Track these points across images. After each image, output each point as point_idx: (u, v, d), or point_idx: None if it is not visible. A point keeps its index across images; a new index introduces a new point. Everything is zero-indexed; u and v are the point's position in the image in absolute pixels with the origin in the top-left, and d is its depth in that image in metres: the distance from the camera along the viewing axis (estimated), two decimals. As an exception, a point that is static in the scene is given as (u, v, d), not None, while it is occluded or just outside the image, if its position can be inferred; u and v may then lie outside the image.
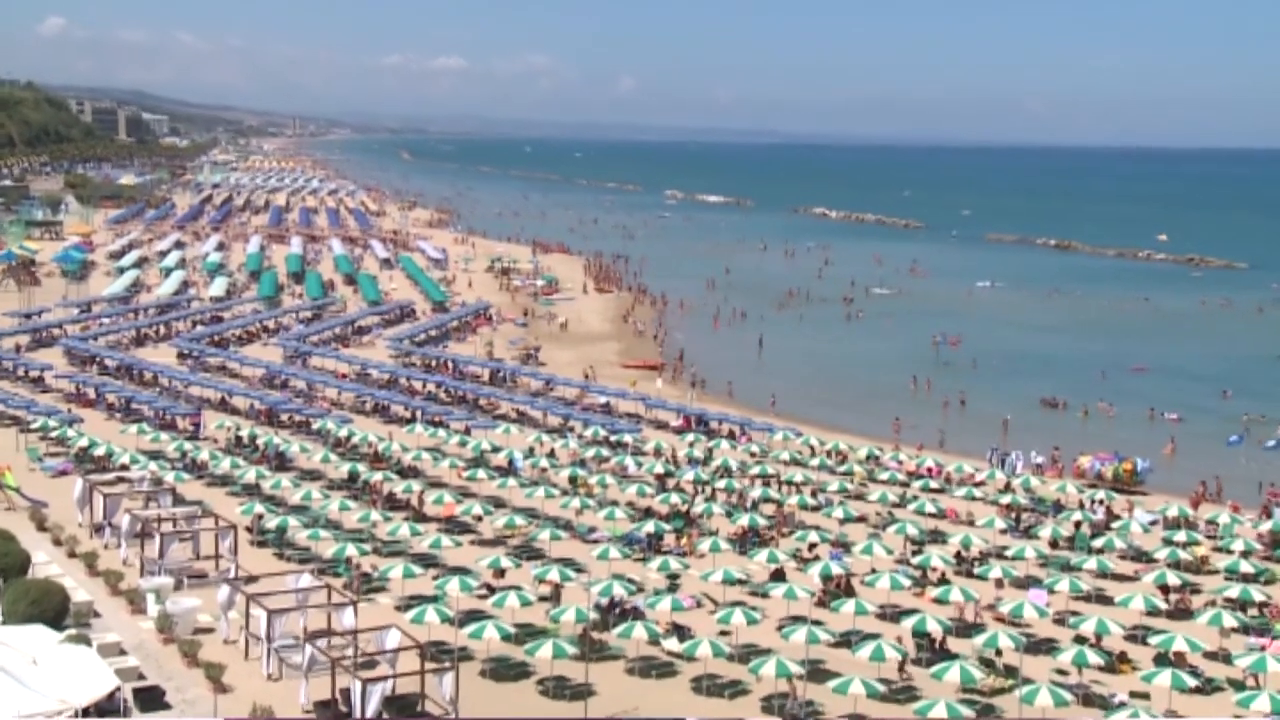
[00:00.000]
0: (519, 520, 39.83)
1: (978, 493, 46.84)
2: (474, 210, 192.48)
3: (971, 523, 43.38)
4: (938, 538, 41.31)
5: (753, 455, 51.43)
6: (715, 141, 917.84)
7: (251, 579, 32.69)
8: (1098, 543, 39.70)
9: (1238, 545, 39.43)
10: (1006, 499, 45.04)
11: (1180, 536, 40.64)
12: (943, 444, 56.35)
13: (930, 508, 44.04)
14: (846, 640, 30.38)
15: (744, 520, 40.48)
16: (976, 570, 37.23)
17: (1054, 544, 40.36)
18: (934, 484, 47.83)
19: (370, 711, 24.72)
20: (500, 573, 34.21)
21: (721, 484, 45.45)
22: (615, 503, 42.43)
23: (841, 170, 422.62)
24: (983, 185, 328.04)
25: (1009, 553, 38.60)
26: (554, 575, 32.96)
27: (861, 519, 43.03)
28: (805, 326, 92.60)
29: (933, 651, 30.42)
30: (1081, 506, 44.78)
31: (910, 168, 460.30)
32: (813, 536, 39.23)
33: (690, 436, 53.70)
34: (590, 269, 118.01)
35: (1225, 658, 30.75)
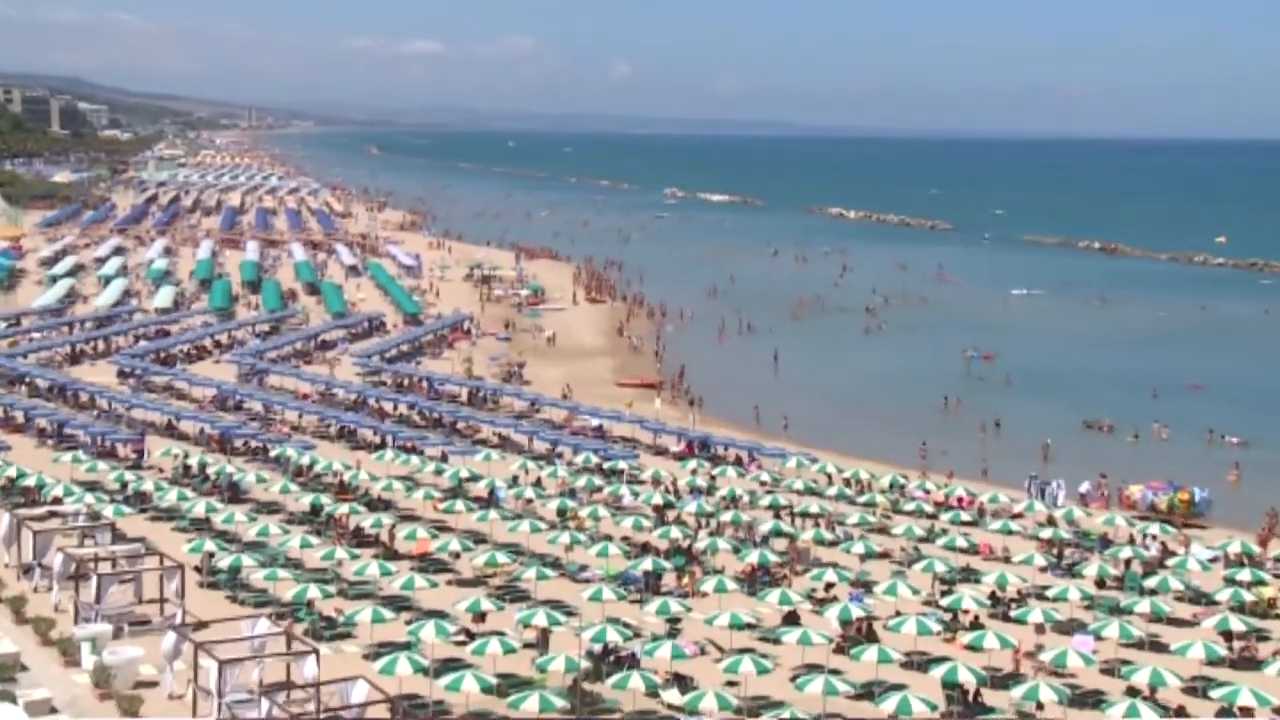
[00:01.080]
0: (501, 558, 39.83)
1: (1015, 526, 46.81)
2: (451, 211, 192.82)
3: (1008, 560, 43.36)
4: (970, 576, 41.25)
5: (762, 484, 51.52)
6: (720, 135, 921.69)
7: (200, 625, 32.60)
8: (1151, 582, 39.69)
9: (1309, 585, 39.56)
10: (1047, 533, 45.07)
11: (1245, 576, 40.50)
12: (986, 473, 56.44)
13: (962, 543, 44.01)
14: (869, 692, 30.28)
15: (753, 557, 40.45)
16: (1014, 613, 37.16)
17: (1101, 584, 40.33)
18: (966, 516, 47.79)
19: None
20: (481, 616, 34.15)
21: (727, 516, 45.42)
22: (609, 538, 42.31)
23: (861, 166, 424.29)
24: (1017, 181, 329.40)
25: (1051, 593, 38.54)
26: (541, 619, 32.89)
27: (885, 555, 43.00)
28: (821, 340, 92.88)
29: (966, 705, 30.33)
30: (1132, 542, 44.77)
31: (937, 163, 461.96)
32: (830, 575, 39.19)
33: (692, 464, 53.66)
34: (580, 276, 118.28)
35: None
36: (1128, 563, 41.99)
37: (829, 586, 38.86)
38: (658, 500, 47.02)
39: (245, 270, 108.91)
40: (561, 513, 45.41)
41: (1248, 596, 38.83)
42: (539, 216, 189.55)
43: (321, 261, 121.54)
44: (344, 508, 44.02)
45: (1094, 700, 31.31)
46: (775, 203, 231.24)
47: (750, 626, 34.12)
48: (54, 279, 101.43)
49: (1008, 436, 64.86)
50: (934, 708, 28.97)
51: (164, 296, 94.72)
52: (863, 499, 49.87)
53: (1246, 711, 29.73)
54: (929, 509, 48.80)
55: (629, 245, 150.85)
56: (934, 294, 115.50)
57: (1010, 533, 46.13)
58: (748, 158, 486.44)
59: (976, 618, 36.42)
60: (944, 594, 38.43)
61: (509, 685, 29.99)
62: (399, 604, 35.87)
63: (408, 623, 33.60)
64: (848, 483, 52.61)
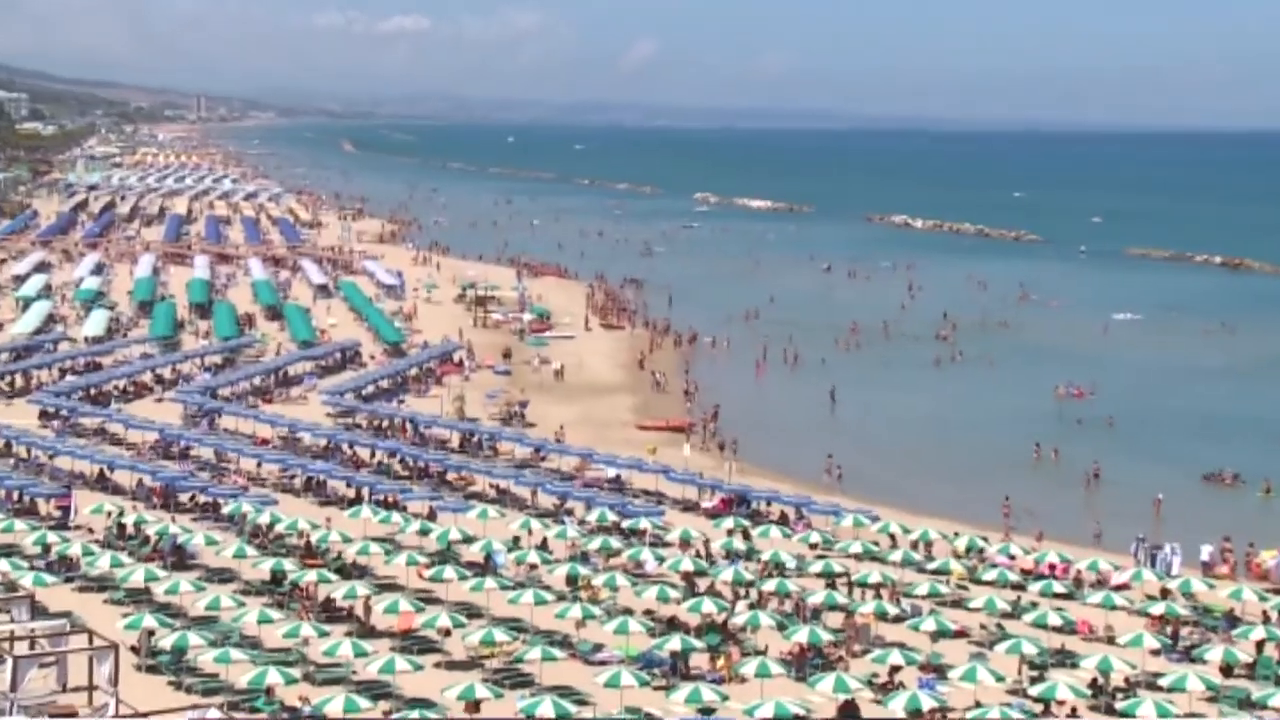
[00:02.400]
0: (500, 635, 39.75)
1: (1120, 599, 46.56)
2: (440, 220, 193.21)
3: (1112, 640, 43.07)
4: (1066, 660, 41.09)
5: (813, 547, 51.45)
6: (762, 127, 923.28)
7: (138, 718, 32.67)
8: (1287, 669, 39.59)
9: None
10: (1160, 608, 44.88)
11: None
12: (1098, 538, 56.21)
13: (1055, 619, 43.79)
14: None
15: (801, 635, 40.35)
16: (1120, 705, 36.97)
17: (1227, 670, 40.05)
18: (1060, 587, 47.64)
19: None
20: (475, 705, 34.17)
21: (771, 586, 45.40)
22: (629, 611, 42.45)
23: (931, 165, 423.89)
24: (1120, 182, 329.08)
25: (1165, 682, 38.31)
26: (547, 709, 32.91)
27: (961, 634, 42.92)
28: (882, 373, 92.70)
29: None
30: (1266, 620, 44.44)
31: (1023, 160, 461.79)
32: (895, 657, 39.05)
33: (728, 522, 53.78)
34: (594, 298, 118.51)
35: None
36: (1260, 645, 41.71)
37: (894, 671, 38.69)
38: (687, 566, 46.98)
39: (193, 291, 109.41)
40: (572, 581, 45.52)
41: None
42: (541, 226, 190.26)
43: (285, 280, 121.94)
44: (311, 575, 44.03)
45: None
46: (828, 209, 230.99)
47: (799, 719, 34.02)
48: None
49: (1110, 491, 64.61)
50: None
51: (96, 322, 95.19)
52: (934, 565, 49.69)
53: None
54: (1014, 578, 48.53)
55: (652, 260, 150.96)
56: (1018, 318, 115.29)
57: (1114, 607, 45.81)
58: (795, 155, 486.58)
59: (1074, 710, 36.28)
60: (1034, 681, 38.32)
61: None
62: (377, 691, 35.87)
63: (387, 713, 33.58)
64: (915, 546, 52.47)
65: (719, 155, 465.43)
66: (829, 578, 47.00)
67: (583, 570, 46.16)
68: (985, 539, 52.93)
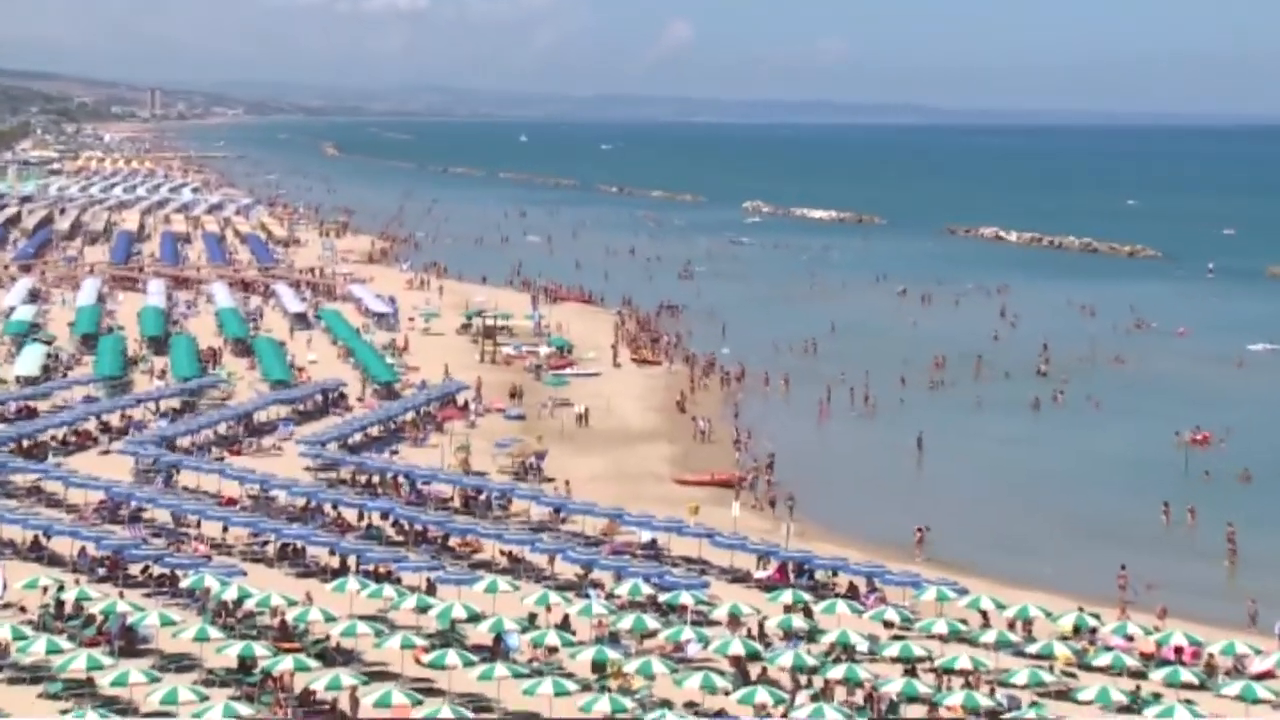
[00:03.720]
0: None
1: (1264, 691, 46.15)
2: (440, 236, 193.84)
3: (1253, 739, 42.81)
4: (1197, 764, 40.84)
5: (888, 626, 51.19)
6: (823, 124, 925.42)
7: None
8: None
9: None
10: (1311, 701, 44.52)
11: None
12: (1255, 620, 55.44)
13: (1184, 715, 43.44)
14: None
15: (877, 734, 40.34)
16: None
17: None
18: (1188, 675, 47.09)
19: None
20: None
21: (838, 673, 45.15)
22: (668, 704, 42.26)
23: (1027, 167, 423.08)
24: (1256, 185, 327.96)
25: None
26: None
27: (1070, 733, 42.80)
28: (970, 418, 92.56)
29: None
30: None
31: (1136, 161, 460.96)
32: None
33: (786, 595, 53.39)
34: (624, 328, 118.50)
35: None
36: None
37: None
38: (737, 649, 46.78)
39: (146, 321, 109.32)
40: (599, 667, 45.37)
41: None
42: (533, 226, 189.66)
43: (255, 309, 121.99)
44: (286, 662, 43.83)
45: None
46: (903, 221, 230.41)
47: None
48: None
49: (1247, 559, 64.02)
50: None
51: (29, 360, 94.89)
52: (1035, 648, 49.41)
53: None
54: (1133, 663, 48.19)
55: (693, 283, 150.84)
56: (1134, 351, 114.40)
57: (1256, 700, 45.36)
58: (861, 156, 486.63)
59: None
60: (1157, 789, 38.07)
61: None
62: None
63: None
64: (1012, 625, 52.06)
65: (771, 157, 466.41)
66: (908, 663, 46.86)
67: (612, 654, 45.93)
68: (1097, 616, 52.41)
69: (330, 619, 48.31)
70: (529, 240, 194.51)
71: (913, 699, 43.81)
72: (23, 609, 51.17)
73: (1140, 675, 47.39)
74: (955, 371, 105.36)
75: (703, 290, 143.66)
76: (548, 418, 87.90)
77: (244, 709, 40.72)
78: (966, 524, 69.26)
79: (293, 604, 49.83)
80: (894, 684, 44.51)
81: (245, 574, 54.27)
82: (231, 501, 65.92)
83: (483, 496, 67.90)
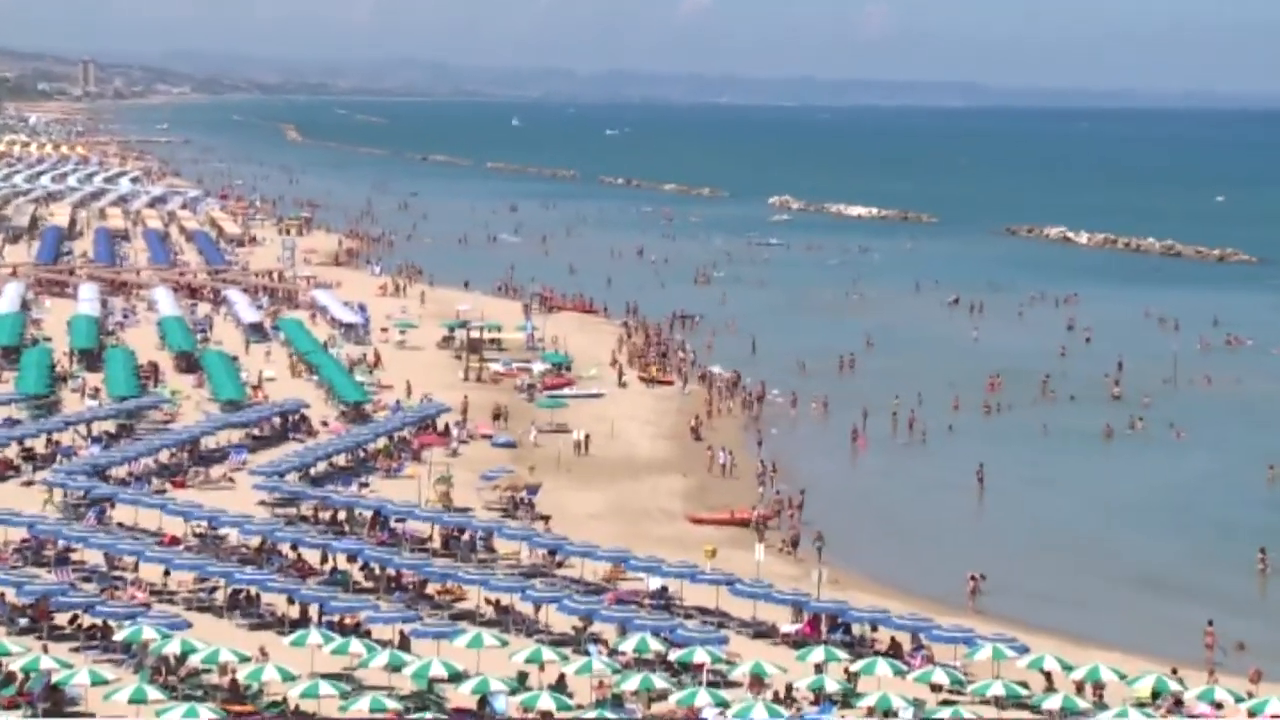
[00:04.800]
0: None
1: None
2: (419, 235, 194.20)
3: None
4: None
5: (936, 689, 50.85)
6: (862, 106, 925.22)
7: None
8: None
9: None
10: None
11: None
12: None
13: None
14: None
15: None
16: None
17: None
18: (1284, 747, 47.15)
19: None
20: None
21: (879, 744, 45.28)
22: (680, 780, 42.32)
23: (1097, 156, 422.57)
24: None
25: None
26: None
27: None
28: (1032, 448, 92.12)
29: None
30: None
31: (1224, 149, 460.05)
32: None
33: (818, 653, 52.98)
34: (632, 341, 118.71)
35: None
36: None
37: None
38: (761, 714, 46.39)
39: (77, 332, 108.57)
40: (600, 735, 45.48)
41: None
42: (559, 241, 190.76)
43: (204, 318, 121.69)
44: (237, 727, 44.19)
45: None
46: (956, 220, 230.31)
47: None
48: None
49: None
50: None
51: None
52: (1109, 715, 49.57)
53: None
54: (1221, 734, 48.31)
55: (711, 289, 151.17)
56: (1223, 370, 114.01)
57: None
58: (910, 145, 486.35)
59: None
60: None
61: None
62: None
63: None
64: (1080, 688, 51.73)
65: (803, 144, 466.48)
66: (959, 733, 47.12)
67: (615, 720, 46.24)
68: (1179, 680, 51.96)
69: (288, 678, 47.87)
70: (506, 240, 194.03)
71: (964, 775, 43.82)
72: (-69, 665, 51.67)
73: (1229, 748, 47.55)
74: (1014, 394, 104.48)
75: (723, 299, 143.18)
76: (543, 444, 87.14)
77: (189, 783, 40.89)
78: (1027, 572, 68.81)
79: (245, 660, 49.42)
80: (943, 756, 44.56)
81: (190, 625, 53.45)
82: (174, 541, 65.24)
83: (466, 536, 67.48)
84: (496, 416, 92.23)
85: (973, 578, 65.52)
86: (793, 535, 71.66)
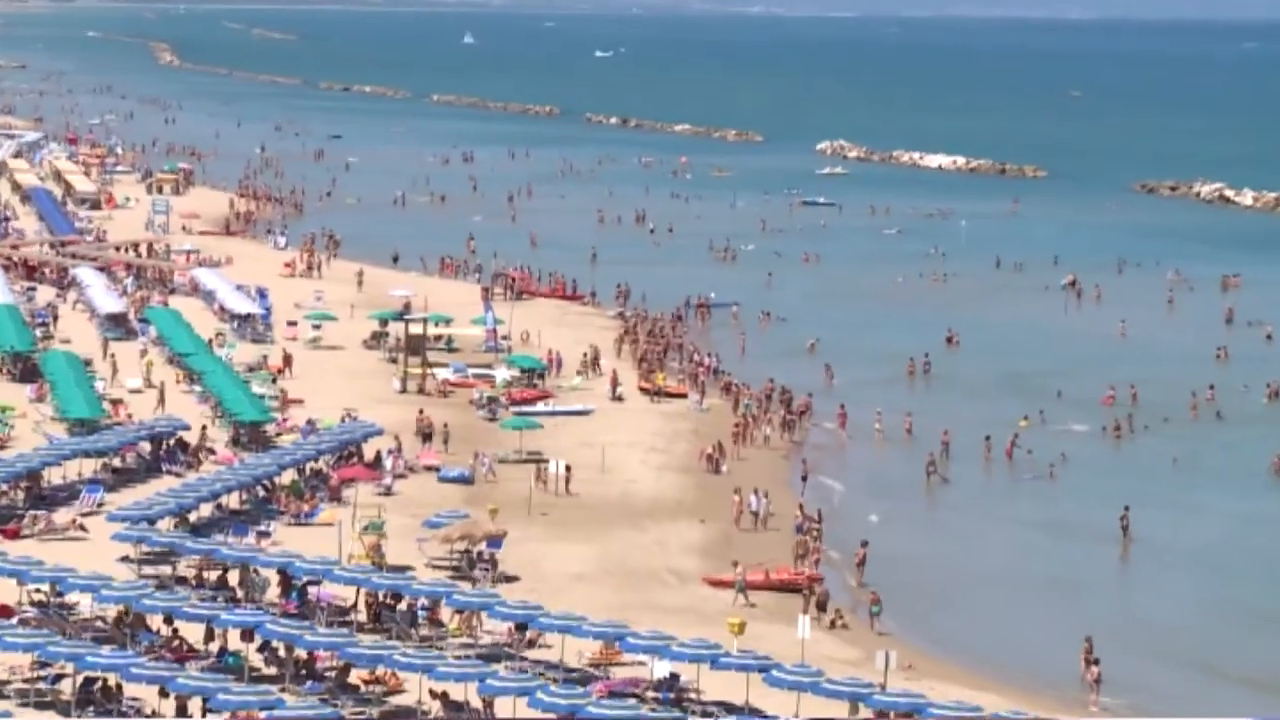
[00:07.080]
0: None
1: None
2: (339, 194, 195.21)
3: None
4: None
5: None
6: (943, 17, 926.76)
7: None
8: None
9: None
10: None
11: None
12: None
13: None
14: None
15: None
16: None
17: None
18: None
19: None
20: None
21: None
22: None
23: (1266, 87, 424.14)
24: None
25: None
26: None
27: None
28: (1177, 483, 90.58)
29: None
30: None
31: None
32: None
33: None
34: (628, 340, 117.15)
35: None
36: None
37: None
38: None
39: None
40: None
41: None
42: (534, 201, 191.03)
43: (48, 305, 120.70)
44: None
45: None
46: (1072, 174, 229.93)
47: None
48: None
49: None
50: None
51: None
52: None
53: None
54: None
55: (737, 270, 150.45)
56: None
57: None
58: (1010, 72, 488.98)
59: None
60: None
61: None
62: None
63: None
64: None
65: (864, 72, 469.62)
66: None
67: None
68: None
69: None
70: (416, 202, 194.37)
71: None
72: None
73: None
74: (1151, 409, 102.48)
75: (752, 282, 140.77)
76: (509, 481, 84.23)
77: None
78: (1172, 651, 66.76)
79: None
80: None
81: (25, 728, 53.86)
82: (6, 611, 65.13)
83: (404, 604, 66.01)
84: (427, 437, 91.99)
85: (1090, 660, 63.04)
86: (846, 604, 70.83)
